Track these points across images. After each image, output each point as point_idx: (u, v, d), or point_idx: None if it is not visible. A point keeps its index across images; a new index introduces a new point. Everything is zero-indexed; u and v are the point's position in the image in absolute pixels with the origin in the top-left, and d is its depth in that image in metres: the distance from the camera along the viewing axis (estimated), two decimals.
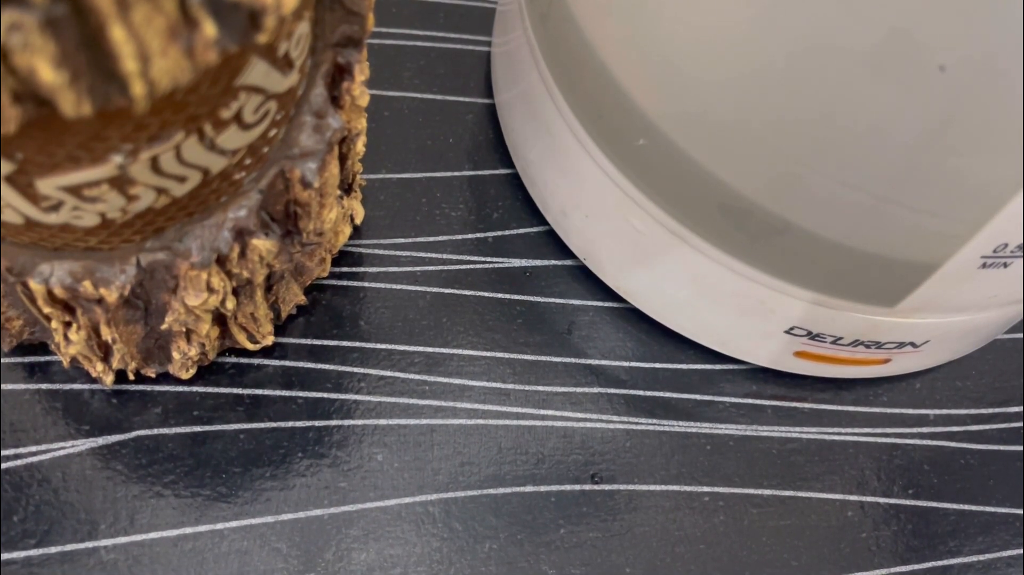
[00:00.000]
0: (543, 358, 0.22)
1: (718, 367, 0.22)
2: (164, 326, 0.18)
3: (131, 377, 0.20)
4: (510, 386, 0.21)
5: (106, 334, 0.17)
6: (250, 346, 0.20)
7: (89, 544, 0.19)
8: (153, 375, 0.20)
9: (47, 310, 0.17)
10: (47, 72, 0.10)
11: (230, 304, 0.18)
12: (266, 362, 0.21)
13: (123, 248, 0.16)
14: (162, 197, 0.15)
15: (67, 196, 0.14)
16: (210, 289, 0.17)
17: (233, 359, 0.21)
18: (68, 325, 0.17)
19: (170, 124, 0.14)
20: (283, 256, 0.18)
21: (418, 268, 0.22)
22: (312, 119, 0.17)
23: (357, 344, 0.21)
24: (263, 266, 0.18)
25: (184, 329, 0.18)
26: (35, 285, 0.16)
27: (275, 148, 0.17)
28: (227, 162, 0.15)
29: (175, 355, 0.19)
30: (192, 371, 0.20)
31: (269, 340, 0.20)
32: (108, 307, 0.17)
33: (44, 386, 0.20)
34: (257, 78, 0.14)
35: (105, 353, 0.19)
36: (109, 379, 0.19)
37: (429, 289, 0.22)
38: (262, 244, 0.17)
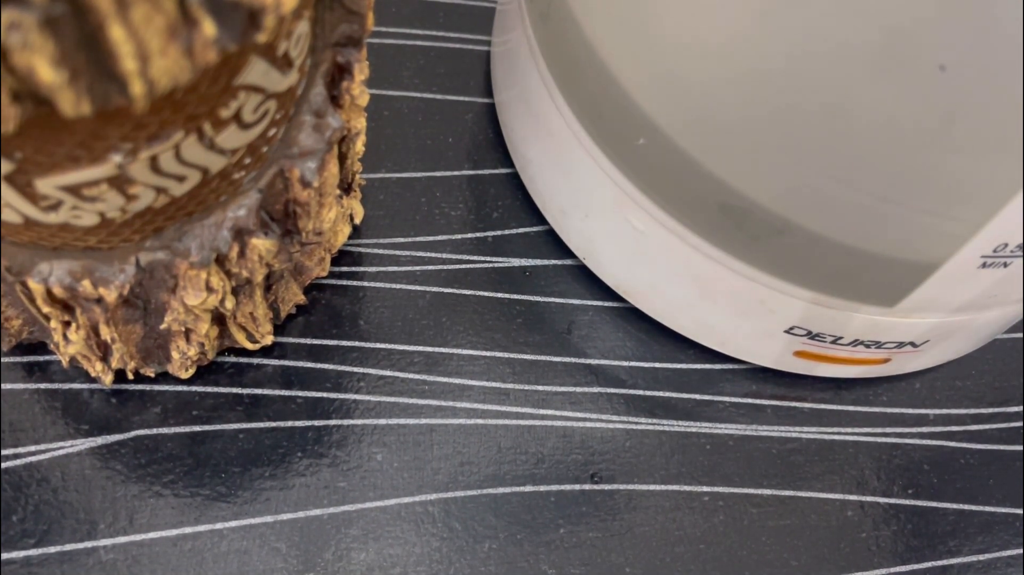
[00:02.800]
0: (543, 358, 0.22)
1: (718, 367, 0.22)
2: (163, 326, 0.18)
3: (130, 377, 0.20)
4: (510, 386, 0.21)
5: (105, 334, 0.17)
6: (249, 346, 0.20)
7: (88, 544, 0.19)
8: (152, 375, 0.20)
9: (46, 309, 0.17)
10: (46, 71, 0.10)
11: (229, 304, 0.18)
12: (265, 362, 0.21)
13: (122, 247, 0.16)
14: (161, 196, 0.15)
15: (66, 195, 0.14)
16: (209, 288, 0.17)
17: (232, 359, 0.21)
18: (67, 324, 0.17)
19: (169, 123, 0.14)
20: (282, 255, 0.18)
21: (418, 268, 0.22)
22: (312, 118, 0.17)
23: (356, 344, 0.21)
24: (262, 266, 0.18)
25: (183, 329, 0.18)
26: (34, 284, 0.16)
27: (274, 147, 0.17)
28: (226, 161, 0.15)
29: (174, 355, 0.19)
30: (191, 371, 0.20)
31: (268, 340, 0.20)
32: (107, 306, 0.17)
33: (43, 386, 0.20)
34: (256, 77, 0.14)
35: (104, 353, 0.19)
36: (108, 379, 0.19)
37: (429, 289, 0.22)
38: (261, 243, 0.17)
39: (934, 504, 0.21)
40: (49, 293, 0.16)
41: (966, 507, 0.22)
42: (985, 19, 0.13)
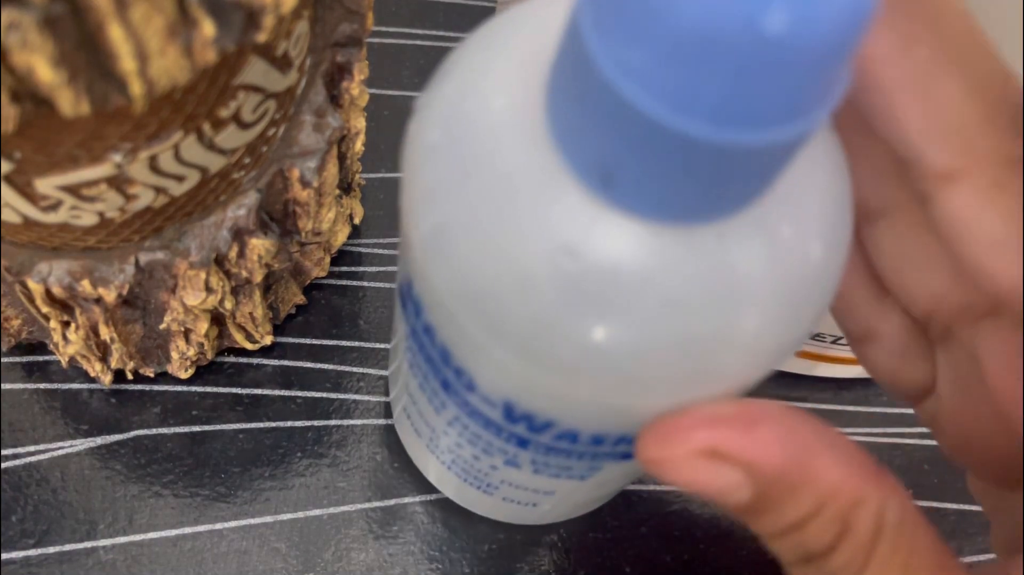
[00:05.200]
0: None
1: None
2: (163, 326, 0.18)
3: (129, 377, 0.19)
4: None
5: (104, 333, 0.17)
6: (249, 346, 0.20)
7: (88, 544, 0.19)
8: (152, 375, 0.20)
9: (45, 309, 0.17)
10: (45, 71, 0.10)
11: (229, 304, 0.18)
12: (265, 362, 0.21)
13: (122, 247, 0.16)
14: (161, 196, 0.15)
15: (66, 195, 0.14)
16: (208, 289, 0.17)
17: (232, 359, 0.21)
18: (66, 325, 0.17)
19: (169, 123, 0.14)
20: (282, 256, 0.18)
21: None
22: (311, 118, 0.17)
23: (356, 344, 0.21)
24: (262, 266, 0.18)
25: (182, 329, 0.18)
26: (33, 284, 0.16)
27: (274, 147, 0.17)
28: (226, 161, 0.15)
29: (173, 355, 0.19)
30: (191, 371, 0.20)
31: (268, 340, 0.20)
32: (107, 306, 0.17)
33: (43, 386, 0.20)
34: (256, 77, 0.14)
35: (103, 353, 0.19)
36: (108, 379, 0.19)
37: None
38: (261, 243, 0.17)
39: (935, 504, 0.21)
40: (48, 293, 0.16)
41: (966, 507, 0.22)
42: (986, 19, 0.13)
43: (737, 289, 0.10)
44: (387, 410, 0.21)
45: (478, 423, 0.13)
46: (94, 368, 0.19)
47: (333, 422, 0.20)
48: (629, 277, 0.10)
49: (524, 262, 0.10)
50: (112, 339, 0.18)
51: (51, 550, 0.18)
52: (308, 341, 0.21)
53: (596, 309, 0.10)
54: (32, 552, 0.18)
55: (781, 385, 0.22)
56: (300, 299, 0.21)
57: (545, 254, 0.10)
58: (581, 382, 0.10)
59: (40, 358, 0.20)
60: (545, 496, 0.15)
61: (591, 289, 0.10)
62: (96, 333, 0.18)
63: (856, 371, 0.22)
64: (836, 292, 0.11)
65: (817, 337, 0.20)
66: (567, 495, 0.15)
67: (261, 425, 0.20)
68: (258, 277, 0.18)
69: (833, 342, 0.20)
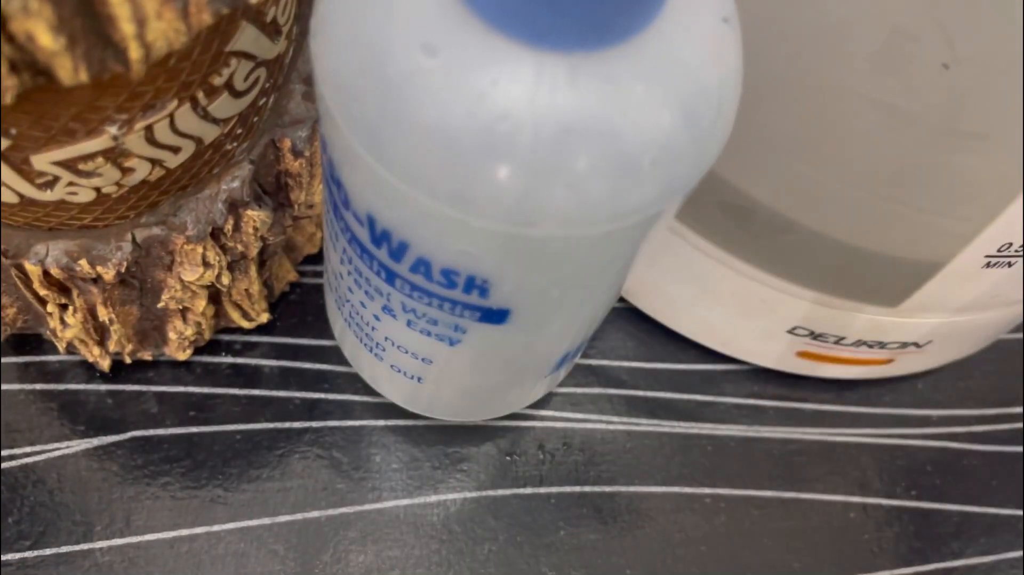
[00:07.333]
0: None
1: (719, 367, 0.22)
2: (160, 304, 0.18)
3: (128, 361, 0.19)
4: None
5: (103, 315, 0.17)
6: (245, 324, 0.20)
7: (84, 546, 0.18)
8: (150, 358, 0.19)
9: (43, 292, 0.17)
10: (46, 37, 0.10)
11: (225, 279, 0.18)
12: (264, 362, 0.21)
13: (118, 225, 0.16)
14: (157, 169, 0.15)
15: (62, 171, 0.14)
16: (206, 263, 0.17)
17: (230, 359, 0.20)
18: (64, 308, 0.17)
19: (164, 92, 0.14)
20: (276, 228, 0.18)
21: None
22: (301, 87, 0.17)
23: None
24: (257, 238, 0.18)
25: (180, 307, 0.18)
26: (30, 267, 0.16)
27: (265, 118, 0.17)
28: (219, 131, 0.15)
29: (171, 335, 0.19)
30: (188, 351, 0.19)
31: (264, 318, 0.20)
32: (105, 286, 0.17)
33: (39, 386, 0.20)
34: (247, 44, 0.15)
35: (101, 336, 0.18)
36: (106, 363, 0.19)
37: None
38: (256, 215, 0.17)
39: (937, 506, 0.21)
40: (46, 275, 0.16)
41: (969, 509, 0.21)
42: (989, 16, 0.13)
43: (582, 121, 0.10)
44: (386, 411, 0.20)
45: (355, 249, 0.14)
46: (92, 353, 0.19)
47: (332, 423, 0.20)
48: (475, 81, 0.10)
49: (383, 48, 0.10)
50: (111, 320, 0.18)
51: (47, 552, 0.18)
52: (307, 341, 0.21)
53: (439, 105, 0.10)
54: (28, 554, 0.18)
55: (783, 385, 0.22)
56: (293, 276, 0.21)
57: (404, 45, 0.10)
58: (417, 178, 0.11)
59: (37, 358, 0.20)
60: (425, 366, 0.16)
61: (438, 87, 0.10)
62: (94, 315, 0.18)
63: (859, 372, 0.21)
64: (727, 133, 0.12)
65: (819, 337, 0.20)
66: (446, 369, 0.16)
67: (259, 426, 0.20)
68: (253, 251, 0.18)
69: (836, 342, 0.20)
